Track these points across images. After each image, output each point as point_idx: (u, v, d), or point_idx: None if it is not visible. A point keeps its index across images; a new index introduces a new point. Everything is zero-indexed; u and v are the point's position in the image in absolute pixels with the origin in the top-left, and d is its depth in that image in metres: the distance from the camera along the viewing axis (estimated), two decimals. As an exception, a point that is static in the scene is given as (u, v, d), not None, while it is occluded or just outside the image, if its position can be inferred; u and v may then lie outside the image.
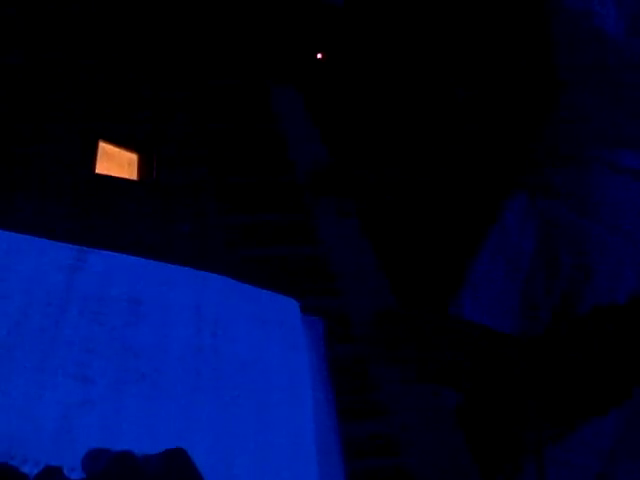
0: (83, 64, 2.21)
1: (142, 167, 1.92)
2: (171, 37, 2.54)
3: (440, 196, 2.16)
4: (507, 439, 1.57)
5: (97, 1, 2.47)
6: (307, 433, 1.26)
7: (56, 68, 2.15)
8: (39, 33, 2.27)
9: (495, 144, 1.98)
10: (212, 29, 2.74)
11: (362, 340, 1.48)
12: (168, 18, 2.63)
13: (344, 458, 1.26)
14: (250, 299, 1.45)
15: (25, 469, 1.06)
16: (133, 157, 1.94)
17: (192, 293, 1.43)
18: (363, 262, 1.73)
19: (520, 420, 1.48)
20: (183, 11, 2.69)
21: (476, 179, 1.99)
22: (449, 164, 2.02)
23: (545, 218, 1.82)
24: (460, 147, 2.06)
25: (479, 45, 2.07)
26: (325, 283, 1.63)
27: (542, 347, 1.43)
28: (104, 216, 1.68)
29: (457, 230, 1.98)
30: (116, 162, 1.90)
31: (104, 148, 1.91)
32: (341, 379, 1.38)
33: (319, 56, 3.68)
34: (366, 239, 1.79)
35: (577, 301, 1.69)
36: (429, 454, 1.29)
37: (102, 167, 1.83)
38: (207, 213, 1.79)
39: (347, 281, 1.65)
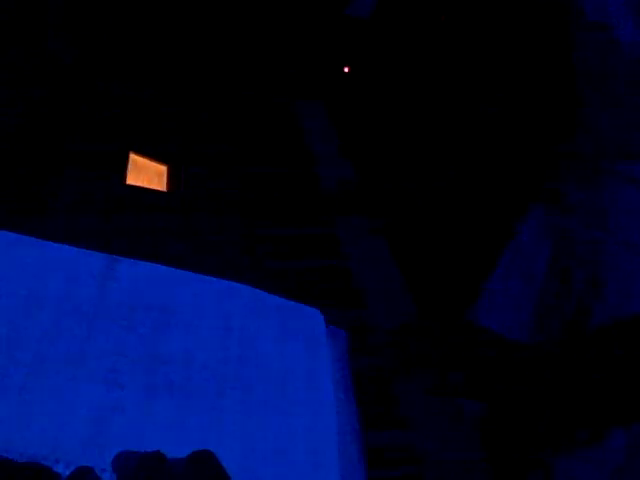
0: (114, 80, 2.26)
1: (171, 179, 1.96)
2: (201, 53, 2.59)
3: (459, 209, 2.18)
4: (522, 448, 1.59)
5: (125, 19, 2.53)
6: (330, 441, 1.28)
7: (90, 84, 2.21)
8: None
9: (513, 159, 2.01)
10: (239, 44, 2.79)
11: (384, 352, 1.51)
12: (198, 34, 2.67)
13: (366, 466, 1.29)
14: (276, 310, 1.48)
15: (57, 469, 1.10)
16: (162, 169, 1.98)
17: (220, 303, 1.47)
18: (386, 276, 1.76)
19: (533, 431, 1.50)
20: (212, 28, 2.74)
21: (494, 194, 2.01)
22: (468, 179, 2.05)
23: (559, 232, 1.83)
24: (479, 162, 2.08)
25: (501, 62, 2.10)
26: (349, 296, 1.66)
27: (554, 360, 1.45)
28: (135, 226, 1.73)
29: (475, 243, 2.00)
30: (146, 174, 1.94)
31: (135, 160, 1.96)
32: (363, 389, 1.41)
33: (346, 69, 3.72)
34: (389, 253, 1.81)
35: (588, 313, 1.71)
36: (448, 463, 1.31)
37: (132, 179, 1.88)
38: (234, 225, 1.82)
39: (370, 294, 1.68)
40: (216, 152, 2.16)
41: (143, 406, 1.26)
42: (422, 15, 4.05)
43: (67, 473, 1.11)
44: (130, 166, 1.93)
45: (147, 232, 1.71)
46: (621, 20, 1.61)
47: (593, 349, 1.47)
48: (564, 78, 1.82)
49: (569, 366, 1.43)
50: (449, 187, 2.13)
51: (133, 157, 1.96)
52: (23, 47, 2.27)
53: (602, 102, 1.71)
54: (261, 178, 2.04)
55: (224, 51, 2.73)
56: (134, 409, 1.25)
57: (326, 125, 2.54)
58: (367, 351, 1.53)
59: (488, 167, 2.06)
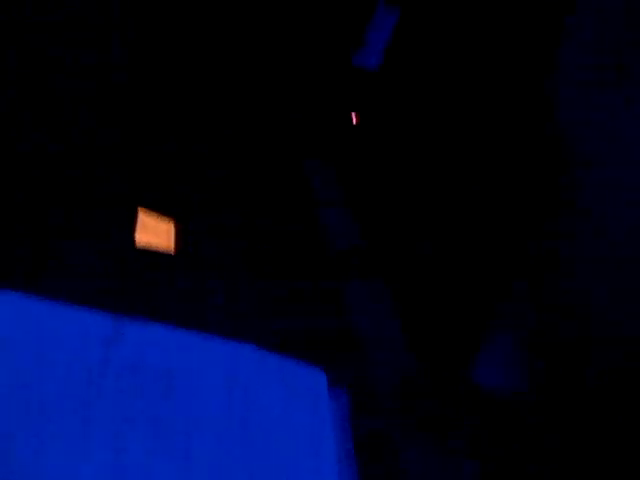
0: (124, 137, 2.31)
1: (178, 237, 2.00)
2: (208, 110, 2.64)
3: (464, 269, 2.21)
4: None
5: (137, 77, 2.59)
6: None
7: (99, 142, 2.26)
8: (80, 108, 2.38)
9: (509, 217, 2.05)
10: (247, 101, 2.84)
11: (385, 411, 1.54)
12: (204, 90, 2.73)
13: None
14: (280, 370, 1.51)
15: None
16: (170, 227, 2.02)
17: (224, 363, 1.50)
18: (389, 334, 1.79)
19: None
20: (220, 84, 2.79)
21: (487, 259, 2.04)
22: (462, 238, 2.08)
23: (546, 298, 1.86)
24: (474, 225, 2.12)
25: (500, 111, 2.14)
26: (352, 353, 1.69)
27: (547, 413, 1.47)
28: (142, 287, 1.76)
29: (471, 302, 2.03)
30: (154, 232, 1.98)
31: (143, 218, 2.00)
32: (363, 448, 1.43)
33: (354, 120, 3.77)
34: (392, 312, 1.85)
35: (580, 365, 1.74)
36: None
37: (141, 237, 1.92)
38: (240, 284, 1.86)
39: (373, 352, 1.71)
40: (223, 208, 2.20)
41: (146, 470, 1.28)
42: (430, 63, 4.11)
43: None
44: (138, 225, 1.97)
45: (155, 293, 1.74)
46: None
47: (589, 403, 1.50)
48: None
49: (563, 420, 1.45)
50: (456, 244, 2.16)
51: (142, 215, 2.00)
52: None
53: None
54: (268, 235, 2.08)
55: (229, 102, 2.78)
56: (139, 474, 1.28)
57: (334, 181, 2.58)
58: (368, 410, 1.56)
59: (483, 232, 2.09)
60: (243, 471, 1.34)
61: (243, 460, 1.35)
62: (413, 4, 3.60)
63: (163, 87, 2.64)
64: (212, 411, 1.41)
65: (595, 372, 1.68)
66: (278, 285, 1.89)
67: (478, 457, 1.49)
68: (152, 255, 1.90)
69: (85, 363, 1.42)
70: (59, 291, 1.63)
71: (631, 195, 1.67)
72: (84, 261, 1.78)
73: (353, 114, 3.79)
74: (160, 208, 2.11)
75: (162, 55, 2.71)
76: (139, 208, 2.07)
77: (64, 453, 1.25)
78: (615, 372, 1.62)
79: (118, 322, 1.54)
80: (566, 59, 1.89)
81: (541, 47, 2.03)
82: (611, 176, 1.70)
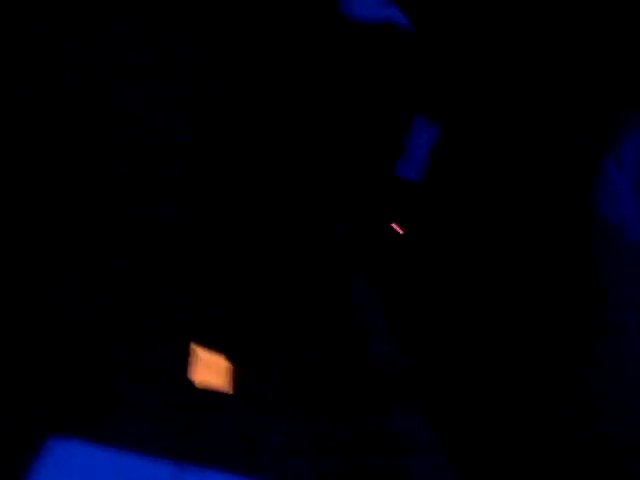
0: (175, 273, 2.41)
1: (235, 375, 2.06)
2: (250, 228, 2.73)
3: (518, 399, 2.23)
4: None
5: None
6: None
7: (153, 277, 2.36)
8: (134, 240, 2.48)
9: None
10: (290, 221, 2.92)
11: None
12: (240, 218, 2.81)
13: None
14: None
15: None
16: (226, 365, 2.09)
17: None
18: (439, 472, 1.81)
19: None
20: (260, 202, 2.88)
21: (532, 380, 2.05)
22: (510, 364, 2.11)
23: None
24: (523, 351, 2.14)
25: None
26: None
27: None
28: (200, 430, 1.81)
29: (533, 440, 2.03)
30: (211, 370, 2.05)
31: (200, 356, 2.07)
32: None
33: (400, 231, 3.83)
34: (441, 446, 1.87)
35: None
36: None
37: (198, 375, 1.99)
38: (293, 423, 1.90)
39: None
40: (275, 340, 2.26)
41: None
42: (472, 175, 4.16)
43: None
44: (196, 362, 2.03)
45: (212, 436, 1.79)
46: (633, 222, 1.68)
47: None
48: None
49: None
50: (506, 373, 2.18)
51: (199, 352, 2.07)
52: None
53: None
54: (319, 369, 2.13)
55: (275, 231, 2.87)
56: None
57: (376, 300, 2.63)
58: None
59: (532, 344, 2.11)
60: None
61: None
62: (452, 117, 3.70)
63: (207, 224, 2.73)
64: None
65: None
66: (333, 424, 1.93)
67: None
68: (209, 394, 1.96)
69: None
70: (120, 432, 1.69)
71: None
72: (143, 401, 1.84)
73: (396, 225, 3.85)
74: (216, 345, 2.18)
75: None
76: (196, 346, 2.14)
77: None
78: None
79: (178, 469, 1.59)
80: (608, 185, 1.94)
81: (583, 166, 2.08)
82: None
